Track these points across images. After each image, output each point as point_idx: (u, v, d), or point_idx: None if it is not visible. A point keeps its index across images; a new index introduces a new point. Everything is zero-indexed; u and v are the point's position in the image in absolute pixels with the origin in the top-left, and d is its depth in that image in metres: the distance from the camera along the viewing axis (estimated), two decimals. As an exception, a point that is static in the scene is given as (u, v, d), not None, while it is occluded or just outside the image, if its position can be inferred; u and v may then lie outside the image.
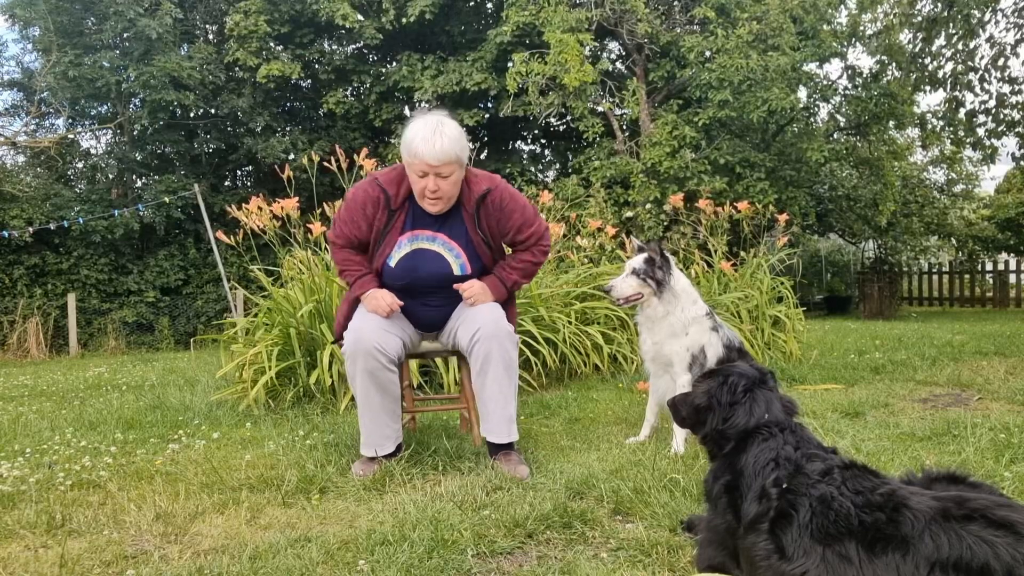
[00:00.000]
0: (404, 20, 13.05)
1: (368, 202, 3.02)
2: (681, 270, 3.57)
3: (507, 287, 3.15)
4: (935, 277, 17.43)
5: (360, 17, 13.54)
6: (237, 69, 13.95)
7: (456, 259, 3.09)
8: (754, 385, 1.91)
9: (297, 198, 4.91)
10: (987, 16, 10.12)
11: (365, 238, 3.07)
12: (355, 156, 4.97)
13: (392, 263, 3.05)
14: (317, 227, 4.82)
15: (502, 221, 3.07)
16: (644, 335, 3.48)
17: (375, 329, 2.98)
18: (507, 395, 3.00)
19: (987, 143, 12.11)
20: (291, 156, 13.68)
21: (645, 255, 3.41)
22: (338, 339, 3.18)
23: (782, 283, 6.24)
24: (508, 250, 3.25)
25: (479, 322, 3.00)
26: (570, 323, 5.29)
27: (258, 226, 4.94)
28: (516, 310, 3.31)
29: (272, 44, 13.92)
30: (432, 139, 2.81)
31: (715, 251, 6.23)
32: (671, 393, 3.37)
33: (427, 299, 3.14)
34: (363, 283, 3.09)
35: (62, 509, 2.59)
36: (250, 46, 13.18)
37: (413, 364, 4.56)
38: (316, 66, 14.42)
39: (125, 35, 13.10)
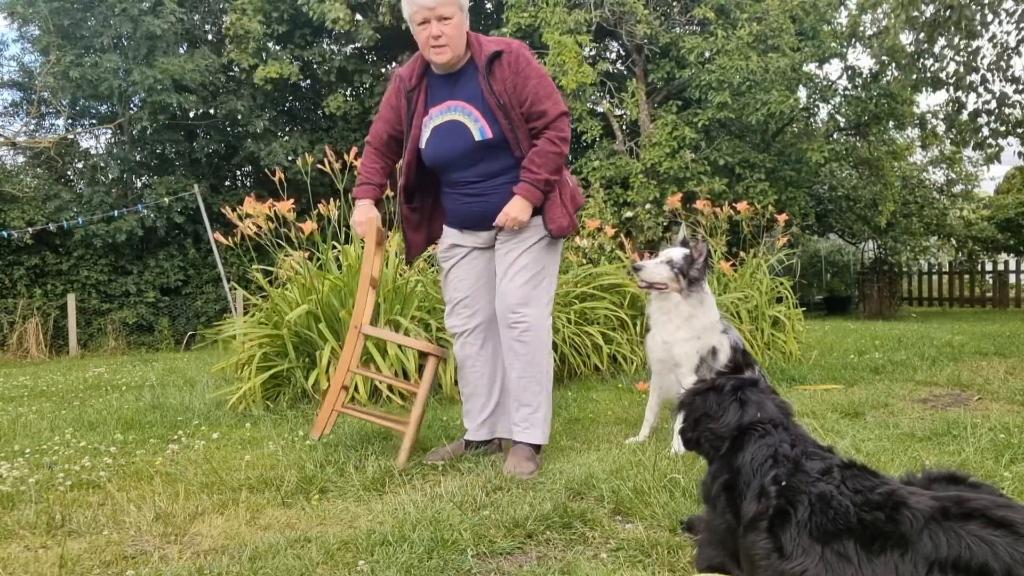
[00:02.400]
0: (404, 26, 13.03)
1: (392, 93, 3.11)
2: None
3: (540, 188, 2.93)
4: (935, 277, 17.43)
5: (359, 17, 13.52)
6: (236, 70, 13.95)
7: (475, 123, 2.96)
8: (743, 385, 1.91)
9: (292, 200, 4.89)
10: (989, 17, 10.10)
11: (394, 131, 3.15)
12: (345, 156, 4.94)
13: (423, 145, 3.06)
14: (308, 226, 4.82)
15: (518, 86, 2.90)
16: (655, 332, 3.39)
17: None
18: (524, 391, 3.07)
19: (991, 143, 12.09)
20: (291, 157, 13.68)
21: (686, 251, 3.33)
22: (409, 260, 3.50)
23: (781, 283, 6.24)
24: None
25: (505, 303, 3.03)
26: (570, 323, 5.29)
27: (255, 229, 4.93)
28: (565, 207, 3.04)
29: (271, 44, 13.90)
30: None
31: (714, 251, 6.23)
32: (676, 393, 3.36)
33: (464, 188, 3.06)
34: (360, 189, 3.21)
35: (62, 509, 2.59)
36: (246, 47, 13.16)
37: (412, 360, 4.56)
38: (316, 67, 14.41)
39: (126, 35, 13.10)
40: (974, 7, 9.51)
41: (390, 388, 4.58)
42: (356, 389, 4.46)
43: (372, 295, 3.22)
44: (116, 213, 12.77)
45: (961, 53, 10.75)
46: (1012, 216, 16.40)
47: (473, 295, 3.18)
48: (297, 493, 2.73)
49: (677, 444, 3.20)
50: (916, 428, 3.37)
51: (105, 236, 12.75)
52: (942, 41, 10.56)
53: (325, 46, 14.48)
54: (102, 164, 14.38)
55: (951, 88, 11.32)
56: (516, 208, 2.93)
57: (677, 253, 3.34)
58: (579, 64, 11.56)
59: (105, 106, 14.33)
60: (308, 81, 15.09)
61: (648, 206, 11.74)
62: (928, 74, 11.19)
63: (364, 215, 3.20)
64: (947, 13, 9.69)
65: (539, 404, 3.05)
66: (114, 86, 12.50)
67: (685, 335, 3.30)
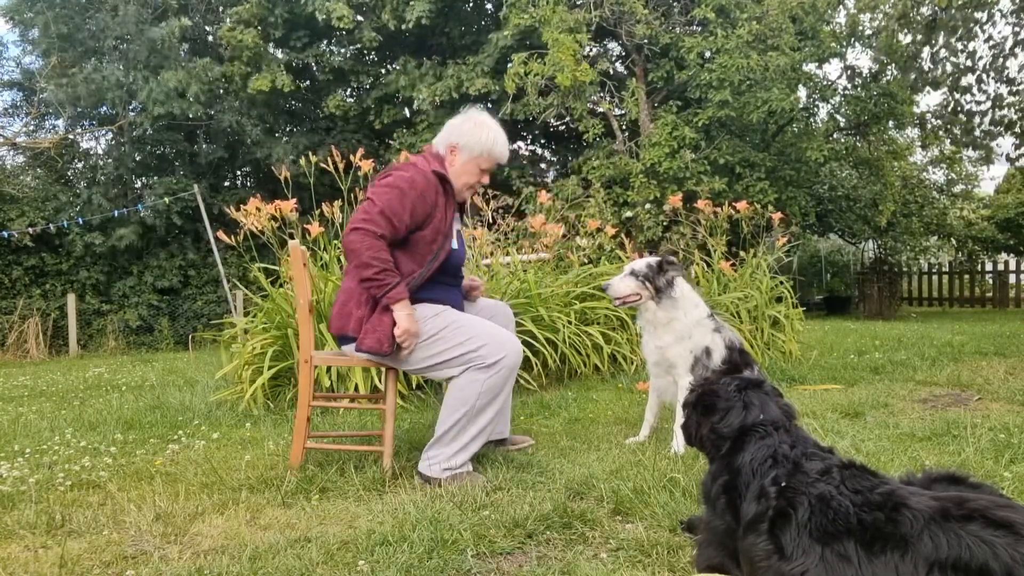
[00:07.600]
0: (403, 26, 13.03)
1: (430, 190, 2.99)
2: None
3: None
4: (935, 277, 17.43)
5: (359, 17, 13.51)
6: (234, 80, 13.95)
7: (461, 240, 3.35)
8: (747, 386, 1.92)
9: (295, 199, 4.92)
10: (984, 17, 10.09)
11: (408, 231, 2.93)
12: (352, 157, 4.98)
13: (455, 246, 3.17)
14: (315, 228, 4.83)
15: None
16: (647, 338, 3.47)
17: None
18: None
19: (984, 143, 12.08)
20: (291, 158, 13.66)
21: (648, 260, 3.40)
22: (378, 351, 2.88)
23: (781, 283, 6.24)
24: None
25: (511, 335, 3.10)
26: (570, 323, 5.29)
27: (256, 227, 4.95)
28: None
29: (268, 48, 13.85)
30: (506, 144, 3.18)
31: (714, 251, 6.23)
32: (672, 394, 3.38)
33: (458, 283, 3.30)
34: (402, 291, 2.87)
35: (62, 509, 2.59)
36: (243, 57, 13.15)
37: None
38: (314, 68, 14.38)
39: (128, 45, 13.06)
40: (967, 11, 9.50)
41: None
42: (356, 389, 4.45)
43: (310, 321, 3.21)
44: (116, 213, 12.76)
45: (957, 53, 10.74)
46: (1012, 216, 16.40)
47: None
48: (297, 493, 2.73)
49: (677, 444, 3.21)
50: (916, 428, 3.38)
51: (103, 245, 12.76)
52: (939, 41, 10.54)
53: (323, 47, 14.44)
54: (102, 164, 14.36)
55: (947, 88, 11.30)
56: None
57: (639, 264, 3.41)
58: (576, 62, 11.55)
59: (105, 107, 14.32)
60: (307, 82, 15.06)
61: (648, 206, 11.73)
62: (924, 75, 11.17)
63: (414, 323, 2.90)
64: (943, 14, 9.68)
65: None
66: (116, 97, 12.48)
67: (672, 338, 3.36)
